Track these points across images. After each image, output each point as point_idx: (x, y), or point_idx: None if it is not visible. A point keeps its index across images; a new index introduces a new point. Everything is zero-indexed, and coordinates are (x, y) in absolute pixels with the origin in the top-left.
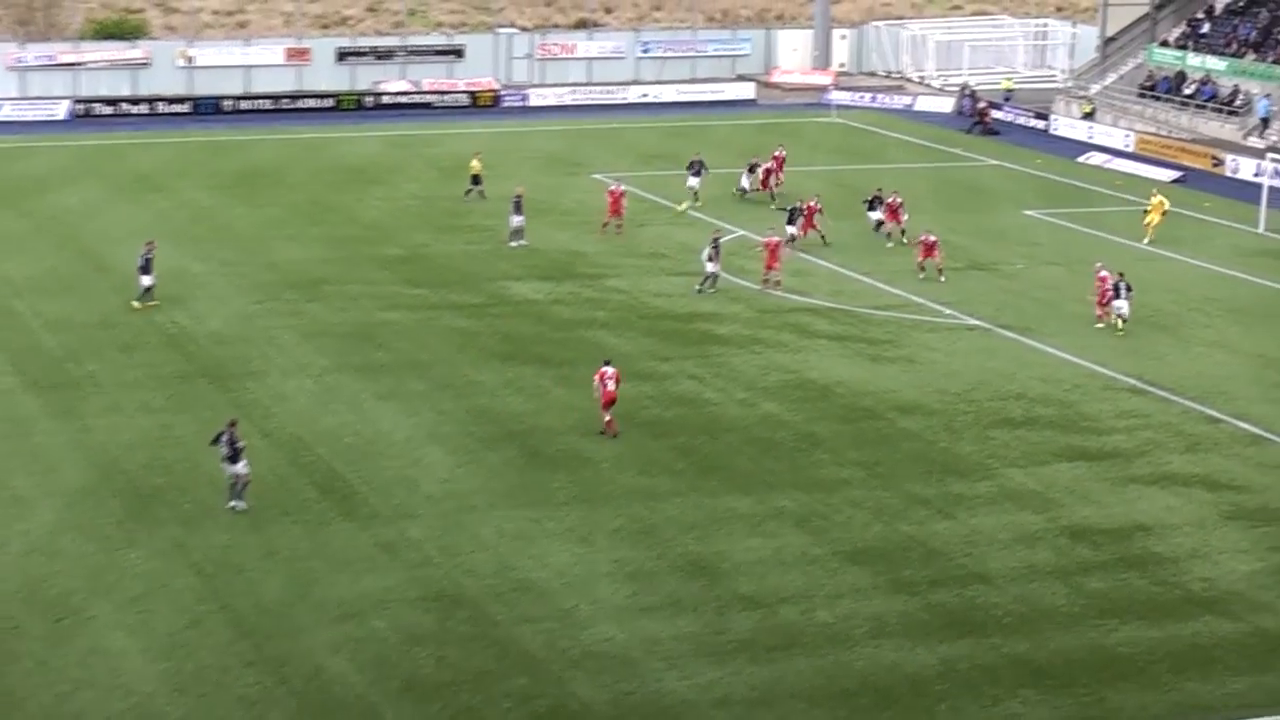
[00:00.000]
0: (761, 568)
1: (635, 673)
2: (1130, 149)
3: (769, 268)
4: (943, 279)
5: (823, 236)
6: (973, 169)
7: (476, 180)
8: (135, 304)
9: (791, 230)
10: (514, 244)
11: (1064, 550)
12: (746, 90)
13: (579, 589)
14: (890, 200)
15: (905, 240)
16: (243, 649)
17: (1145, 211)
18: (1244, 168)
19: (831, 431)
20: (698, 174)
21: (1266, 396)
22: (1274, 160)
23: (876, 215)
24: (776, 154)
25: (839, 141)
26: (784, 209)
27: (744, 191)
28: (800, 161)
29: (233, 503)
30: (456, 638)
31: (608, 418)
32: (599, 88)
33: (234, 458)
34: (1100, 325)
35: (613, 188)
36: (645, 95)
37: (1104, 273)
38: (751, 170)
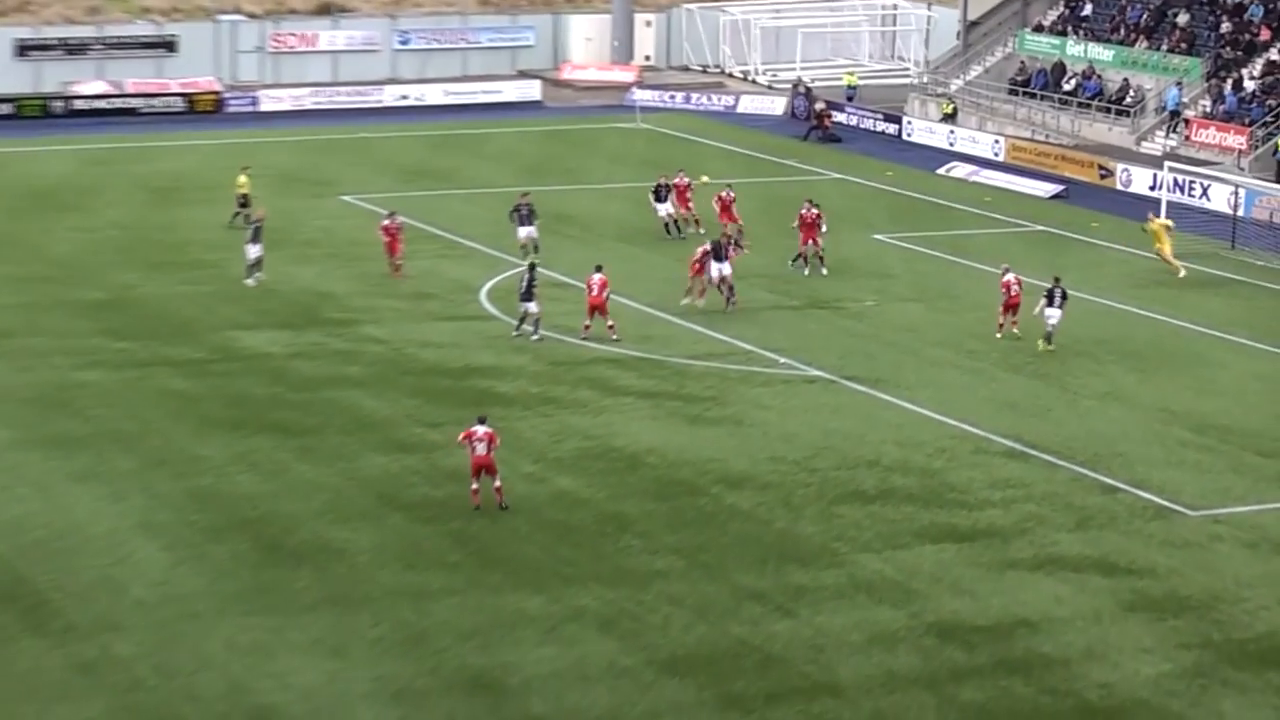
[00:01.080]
0: (558, 682)
1: None
2: (1000, 158)
3: (594, 312)
4: (730, 307)
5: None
6: (809, 184)
7: (244, 202)
8: None
9: (724, 269)
10: (251, 280)
11: (930, 653)
12: (531, 89)
13: (332, 714)
14: (805, 212)
15: (824, 267)
16: None
17: (1157, 242)
18: (1138, 179)
19: (642, 511)
20: (528, 221)
21: (1171, 459)
22: (1173, 170)
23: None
24: (678, 180)
25: (645, 152)
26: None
27: (671, 223)
28: (596, 178)
29: None
30: None
31: (477, 488)
32: (347, 88)
33: None
34: (999, 336)
35: (386, 222)
36: (405, 97)
37: (1009, 276)
38: (659, 195)
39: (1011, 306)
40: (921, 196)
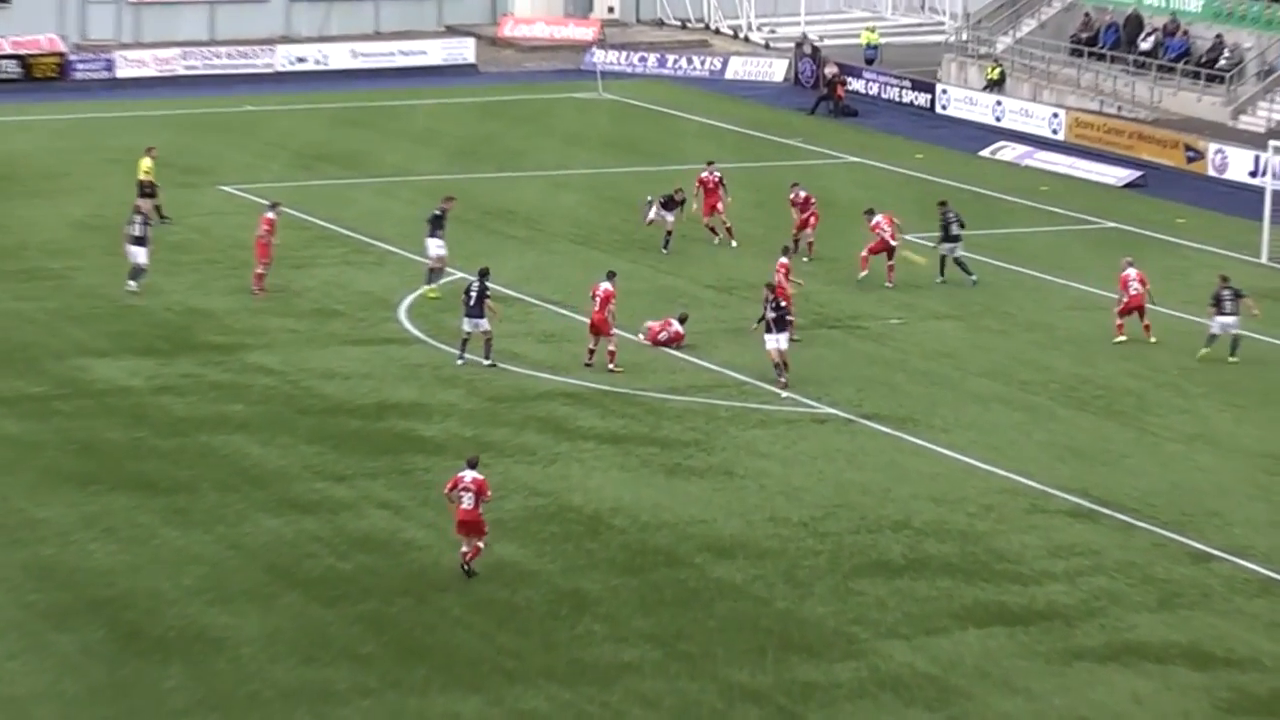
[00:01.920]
0: None
1: None
2: (1059, 136)
3: (600, 331)
4: (783, 390)
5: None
6: (817, 170)
7: (148, 191)
8: None
9: (781, 343)
10: (135, 284)
11: None
12: (463, 50)
13: None
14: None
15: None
16: None
17: None
18: (1235, 162)
19: (606, 588)
20: (439, 230)
21: (1278, 518)
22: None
23: (948, 245)
24: (704, 176)
25: (608, 130)
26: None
27: (650, 221)
28: (547, 163)
29: None
30: None
31: (465, 550)
32: (228, 49)
33: None
34: (1120, 339)
35: (270, 215)
36: (302, 60)
37: (1130, 271)
38: (669, 205)
39: (1135, 308)
40: (960, 185)
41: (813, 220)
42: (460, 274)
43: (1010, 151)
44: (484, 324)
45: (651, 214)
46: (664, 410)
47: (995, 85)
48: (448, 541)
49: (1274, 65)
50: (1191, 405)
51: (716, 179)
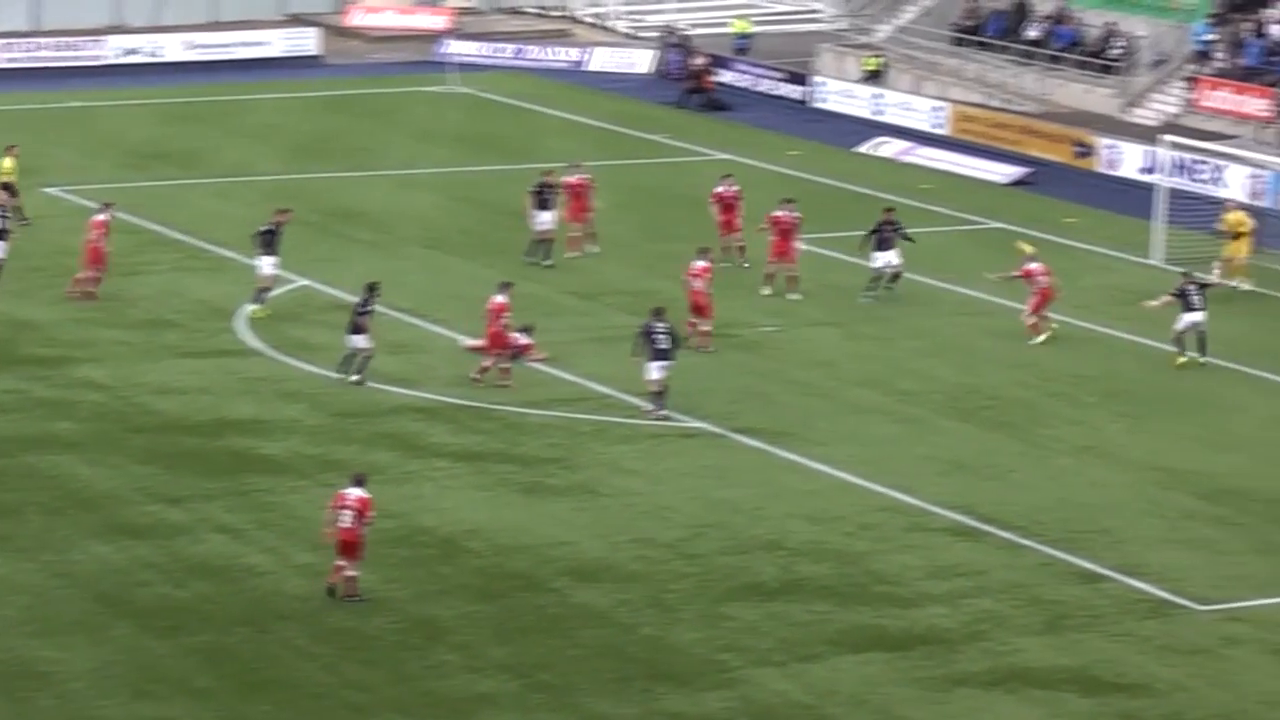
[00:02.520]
0: None
1: None
2: (942, 130)
3: (491, 349)
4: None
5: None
6: (685, 167)
7: (13, 192)
8: None
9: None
10: None
11: None
12: (305, 40)
13: None
14: (783, 215)
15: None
16: None
17: (1224, 243)
18: (1127, 158)
19: (461, 615)
20: (272, 245)
21: (1173, 535)
22: (1174, 146)
23: (886, 257)
24: (571, 179)
25: (462, 125)
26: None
27: (543, 247)
28: (395, 161)
29: None
30: None
31: (339, 564)
32: (53, 40)
33: None
34: (1040, 339)
35: (101, 217)
36: (133, 52)
37: (1034, 264)
38: (542, 197)
39: (1045, 299)
40: (836, 183)
41: (737, 222)
42: (302, 282)
43: (890, 147)
44: (360, 341)
45: (541, 221)
46: (522, 425)
47: (874, 77)
48: (290, 567)
49: (1168, 55)
50: (1083, 415)
51: (585, 181)
